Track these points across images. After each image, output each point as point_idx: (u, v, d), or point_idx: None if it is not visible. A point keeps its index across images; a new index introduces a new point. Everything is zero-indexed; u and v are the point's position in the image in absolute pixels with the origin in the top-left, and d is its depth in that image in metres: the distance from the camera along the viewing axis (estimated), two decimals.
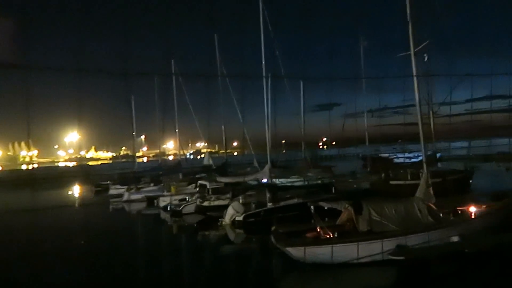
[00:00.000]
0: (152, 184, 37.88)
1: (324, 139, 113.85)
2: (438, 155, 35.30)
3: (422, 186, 16.71)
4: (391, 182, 28.47)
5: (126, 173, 49.48)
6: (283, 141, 47.02)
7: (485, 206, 17.35)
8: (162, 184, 36.15)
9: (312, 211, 14.91)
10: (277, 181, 28.63)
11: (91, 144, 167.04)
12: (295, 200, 23.96)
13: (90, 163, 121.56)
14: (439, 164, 33.12)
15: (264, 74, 27.01)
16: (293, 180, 33.28)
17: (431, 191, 16.58)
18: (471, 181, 29.68)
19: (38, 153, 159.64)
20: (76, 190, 55.28)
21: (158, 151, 75.98)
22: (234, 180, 27.27)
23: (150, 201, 33.13)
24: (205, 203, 25.79)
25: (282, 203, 23.69)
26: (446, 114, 33.84)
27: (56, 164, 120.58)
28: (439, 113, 33.48)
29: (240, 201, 23.82)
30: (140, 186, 38.27)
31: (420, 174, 18.63)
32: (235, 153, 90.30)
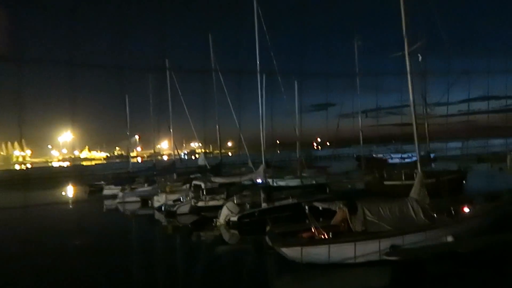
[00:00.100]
0: (146, 185, 37.77)
1: (319, 139, 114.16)
2: (432, 155, 35.37)
3: (416, 186, 16.75)
4: (386, 183, 28.58)
5: (120, 173, 49.36)
6: (278, 141, 47.05)
7: (479, 206, 17.43)
8: (157, 185, 36.05)
9: (307, 211, 14.91)
10: (271, 181, 28.62)
11: (85, 144, 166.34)
12: (290, 201, 23.96)
13: (84, 163, 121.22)
14: (433, 165, 33.17)
15: (259, 78, 27.09)
16: (288, 181, 33.30)
17: (425, 191, 16.63)
18: (464, 181, 29.79)
19: (32, 153, 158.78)
20: (69, 191, 55.03)
21: (152, 151, 75.76)
22: (229, 180, 27.23)
23: (144, 201, 33.03)
24: (200, 204, 25.74)
25: (276, 204, 23.70)
26: (440, 114, 33.96)
27: (49, 164, 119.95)
28: (433, 114, 33.60)
29: (235, 201, 23.77)
30: (134, 187, 38.13)
31: (414, 174, 18.69)
32: (230, 153, 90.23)
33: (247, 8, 26.82)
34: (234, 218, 22.26)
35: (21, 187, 52.22)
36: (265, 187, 25.46)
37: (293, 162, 44.35)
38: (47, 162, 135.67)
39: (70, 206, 40.24)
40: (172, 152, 57.05)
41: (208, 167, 36.85)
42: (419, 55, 18.93)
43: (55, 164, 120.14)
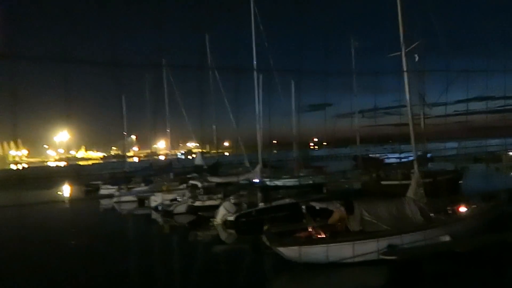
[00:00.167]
0: (143, 184, 37.70)
1: (315, 139, 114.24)
2: (428, 155, 35.44)
3: (413, 186, 16.79)
4: (382, 182, 28.58)
5: (117, 173, 49.25)
6: (274, 142, 47.09)
7: (475, 206, 17.48)
8: (153, 184, 36.01)
9: (304, 211, 14.93)
10: (268, 181, 28.63)
11: (82, 144, 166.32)
12: (287, 200, 23.97)
13: (81, 163, 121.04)
14: (429, 165, 33.23)
15: (255, 77, 27.14)
16: (285, 180, 33.32)
17: (422, 191, 16.66)
18: (461, 181, 29.87)
19: (28, 153, 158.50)
20: (66, 190, 54.88)
21: (149, 151, 75.76)
22: (226, 180, 27.27)
23: (141, 201, 32.98)
24: (197, 203, 25.75)
25: (273, 203, 23.68)
26: (437, 114, 34.00)
27: (46, 164, 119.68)
28: (430, 114, 33.65)
29: (232, 201, 23.78)
30: (131, 186, 38.10)
31: (411, 174, 18.72)
32: (227, 153, 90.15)
33: (244, 9, 26.88)
34: (231, 218, 22.25)
35: (17, 186, 52.08)
36: (262, 186, 25.47)
37: (290, 162, 44.37)
38: (43, 162, 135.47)
39: (67, 206, 40.11)
40: (169, 152, 57.03)
41: (205, 166, 36.83)
42: (416, 55, 18.90)
43: (52, 164, 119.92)
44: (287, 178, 34.26)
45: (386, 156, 53.30)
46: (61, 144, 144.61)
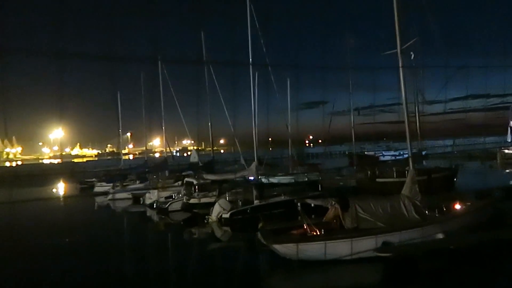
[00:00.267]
0: (138, 182, 37.67)
1: (311, 137, 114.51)
2: (423, 153, 35.58)
3: (408, 183, 16.79)
4: (377, 180, 28.65)
5: (112, 170, 49.19)
6: (270, 139, 47.08)
7: (469, 203, 17.54)
8: (148, 182, 35.94)
9: (299, 208, 14.91)
10: (263, 178, 28.62)
11: (76, 141, 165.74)
12: (282, 198, 23.99)
13: (75, 160, 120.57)
14: (424, 162, 33.35)
15: (251, 74, 27.12)
16: (280, 178, 33.33)
17: (417, 189, 16.69)
18: (456, 178, 30.00)
19: (22, 150, 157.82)
20: (60, 187, 54.66)
21: (144, 148, 75.43)
22: (221, 177, 27.21)
23: (136, 198, 32.91)
24: (192, 201, 25.70)
25: (268, 201, 23.71)
26: (432, 112, 34.17)
27: (40, 161, 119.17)
28: (426, 112, 33.79)
29: (227, 198, 23.76)
30: (126, 184, 38.06)
31: (406, 171, 18.74)
32: (222, 151, 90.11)
33: (240, 6, 26.81)
34: (226, 215, 22.25)
35: (11, 183, 51.80)
36: (257, 184, 25.46)
37: (285, 159, 44.39)
38: (38, 159, 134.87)
39: (61, 203, 39.94)
40: (164, 149, 56.87)
41: (200, 164, 36.78)
42: (411, 53, 18.94)
43: (46, 161, 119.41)
44: (282, 176, 34.29)
45: (381, 154, 53.57)
46: (55, 141, 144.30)
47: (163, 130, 44.61)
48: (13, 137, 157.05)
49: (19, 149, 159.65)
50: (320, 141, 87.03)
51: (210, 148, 44.84)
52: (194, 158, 40.11)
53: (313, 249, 13.66)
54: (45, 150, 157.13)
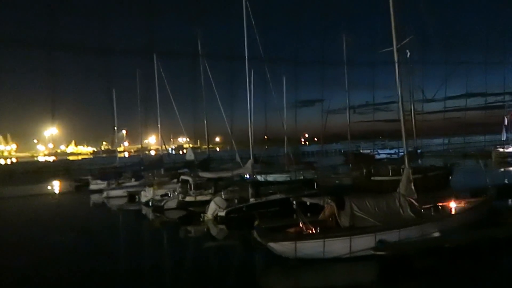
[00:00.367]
0: (133, 179, 37.57)
1: (306, 135, 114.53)
2: (419, 151, 35.67)
3: (403, 181, 16.84)
4: (373, 178, 28.69)
5: (107, 168, 48.98)
6: (266, 137, 47.08)
7: (465, 202, 17.61)
8: (144, 179, 35.85)
9: (295, 206, 14.89)
10: (259, 176, 28.60)
11: (71, 138, 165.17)
12: (278, 196, 23.96)
13: (70, 157, 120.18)
14: (419, 161, 33.45)
15: (247, 71, 27.06)
16: (276, 176, 33.31)
17: (413, 187, 16.73)
18: (451, 177, 30.09)
19: (17, 148, 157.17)
20: (55, 185, 54.45)
21: (139, 146, 75.17)
22: (217, 175, 27.16)
23: (132, 196, 32.84)
24: (187, 199, 25.64)
25: (264, 199, 23.69)
26: (427, 111, 34.31)
27: (35, 158, 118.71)
28: (421, 110, 33.92)
29: (223, 196, 23.73)
30: (121, 181, 37.91)
31: (402, 170, 18.78)
32: (218, 149, 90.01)
33: (236, 4, 26.75)
34: (222, 213, 22.22)
35: (5, 181, 51.63)
36: (253, 182, 25.46)
37: (281, 157, 44.37)
38: (33, 156, 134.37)
39: (56, 201, 39.84)
40: (160, 147, 56.72)
41: (196, 162, 36.71)
42: (407, 51, 18.97)
43: (41, 158, 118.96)
44: (278, 174, 34.26)
45: (376, 152, 53.66)
46: (50, 139, 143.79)
47: (159, 127, 44.50)
48: (8, 135, 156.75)
49: (14, 146, 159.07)
50: (316, 139, 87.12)
51: (206, 146, 44.73)
52: (190, 156, 40.05)
53: (309, 247, 13.65)
54: (40, 147, 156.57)
